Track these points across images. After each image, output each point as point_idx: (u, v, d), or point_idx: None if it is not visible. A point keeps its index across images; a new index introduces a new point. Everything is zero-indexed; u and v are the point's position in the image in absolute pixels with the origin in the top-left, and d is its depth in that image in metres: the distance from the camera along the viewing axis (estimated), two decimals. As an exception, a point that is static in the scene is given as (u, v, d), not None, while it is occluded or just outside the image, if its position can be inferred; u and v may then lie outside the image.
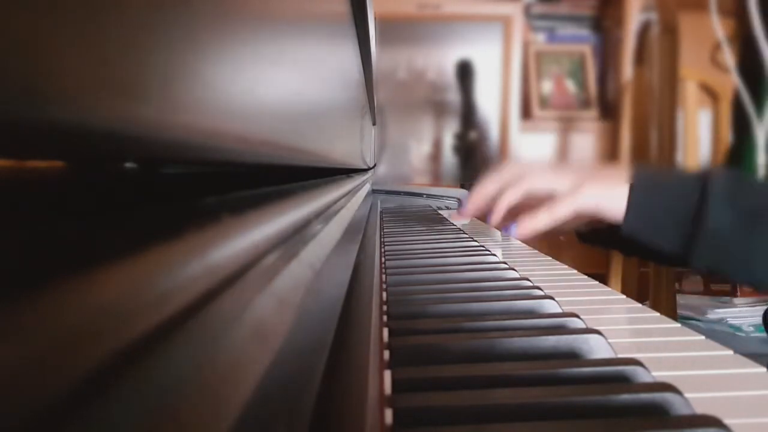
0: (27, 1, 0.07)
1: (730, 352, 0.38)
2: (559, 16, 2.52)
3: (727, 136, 1.82)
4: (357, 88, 0.80)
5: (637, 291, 1.63)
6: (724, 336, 1.55)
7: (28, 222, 0.13)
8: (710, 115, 1.95)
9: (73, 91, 0.08)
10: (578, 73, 2.51)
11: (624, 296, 0.55)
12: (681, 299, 1.64)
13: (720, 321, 1.64)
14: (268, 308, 0.16)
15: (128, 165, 0.25)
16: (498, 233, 0.94)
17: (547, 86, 2.51)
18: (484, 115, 2.47)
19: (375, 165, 1.71)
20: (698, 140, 1.92)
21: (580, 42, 2.52)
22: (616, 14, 2.38)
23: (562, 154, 2.50)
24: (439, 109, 2.46)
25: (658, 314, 0.48)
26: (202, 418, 0.11)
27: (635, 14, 2.26)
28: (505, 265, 0.60)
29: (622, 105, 2.30)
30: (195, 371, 0.11)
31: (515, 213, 0.70)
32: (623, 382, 0.28)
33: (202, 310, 0.12)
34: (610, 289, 0.59)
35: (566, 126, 2.48)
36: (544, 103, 2.50)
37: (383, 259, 0.61)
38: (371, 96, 1.17)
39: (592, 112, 2.48)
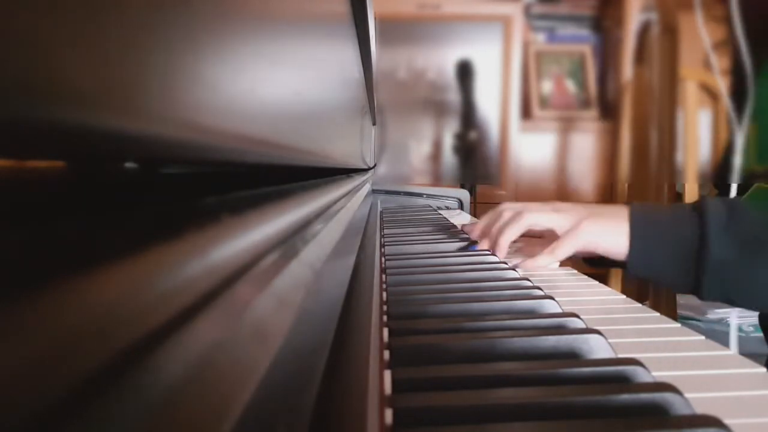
0: (27, 1, 0.07)
1: (730, 352, 0.38)
2: (559, 16, 2.52)
3: (727, 136, 1.82)
4: (357, 88, 0.80)
5: (637, 291, 1.63)
6: (724, 336, 1.55)
7: (28, 222, 0.13)
8: (710, 115, 1.95)
9: (73, 91, 0.08)
10: (578, 73, 2.51)
11: (624, 296, 0.55)
12: (681, 299, 1.64)
13: (720, 321, 1.64)
14: (269, 308, 0.16)
15: (128, 165, 0.25)
16: None
17: (547, 86, 2.51)
18: (484, 115, 2.47)
19: (375, 165, 1.71)
20: (698, 140, 1.92)
21: (580, 42, 2.52)
22: (616, 14, 2.38)
23: (562, 154, 2.50)
24: (439, 109, 2.46)
25: (658, 314, 0.48)
26: (203, 417, 0.11)
27: (635, 14, 2.26)
28: (505, 265, 0.60)
29: (622, 105, 2.29)
30: (195, 371, 0.11)
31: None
32: (623, 382, 0.28)
33: (202, 310, 0.12)
34: (610, 289, 0.59)
35: (566, 126, 2.48)
36: (544, 103, 2.50)
37: (383, 259, 0.61)
38: (371, 96, 1.17)
39: (592, 112, 2.48)
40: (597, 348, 0.33)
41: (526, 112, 2.48)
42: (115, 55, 0.09)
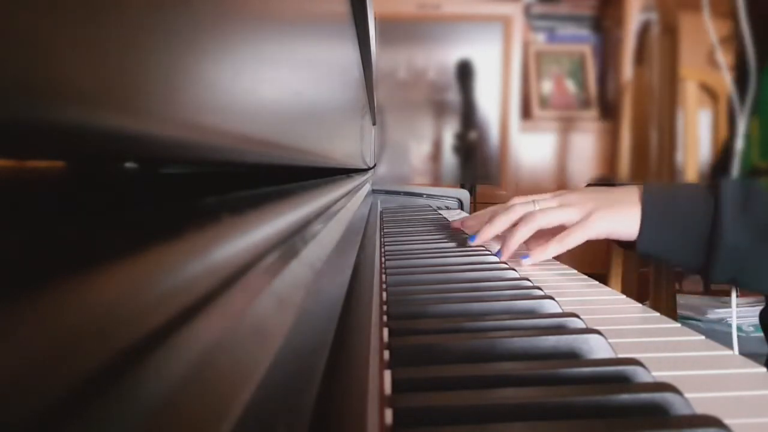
0: (27, 1, 0.07)
1: (730, 352, 0.38)
2: (559, 16, 2.52)
3: (725, 136, 1.82)
4: (357, 88, 0.80)
5: (637, 291, 1.63)
6: (724, 336, 1.55)
7: (28, 222, 0.13)
8: (710, 115, 1.95)
9: (73, 91, 0.08)
10: (578, 73, 2.51)
11: (624, 296, 0.55)
12: (681, 299, 1.64)
13: (720, 321, 1.64)
14: (269, 308, 0.16)
15: (128, 165, 0.25)
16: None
17: (547, 86, 2.51)
18: (484, 115, 2.47)
19: (375, 165, 1.71)
20: (698, 140, 1.92)
21: (580, 42, 2.52)
22: (616, 14, 2.38)
23: (562, 154, 2.50)
24: (439, 109, 2.46)
25: (658, 314, 0.48)
26: (204, 417, 0.11)
27: (635, 14, 2.26)
28: (505, 265, 0.60)
29: (622, 105, 2.30)
30: (196, 371, 0.11)
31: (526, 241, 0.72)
32: (623, 382, 0.28)
33: (202, 310, 0.12)
34: (610, 289, 0.58)
35: (566, 126, 2.48)
36: (544, 103, 2.50)
37: (383, 259, 0.61)
38: (371, 96, 1.17)
39: (592, 112, 2.48)
40: (597, 348, 0.33)
41: (526, 112, 2.48)
42: (115, 55, 0.09)
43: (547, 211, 0.69)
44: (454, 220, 0.90)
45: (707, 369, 0.35)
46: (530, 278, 0.52)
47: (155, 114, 0.11)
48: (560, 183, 2.47)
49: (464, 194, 1.57)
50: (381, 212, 1.18)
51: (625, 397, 0.25)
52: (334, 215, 0.40)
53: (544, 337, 0.33)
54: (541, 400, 0.26)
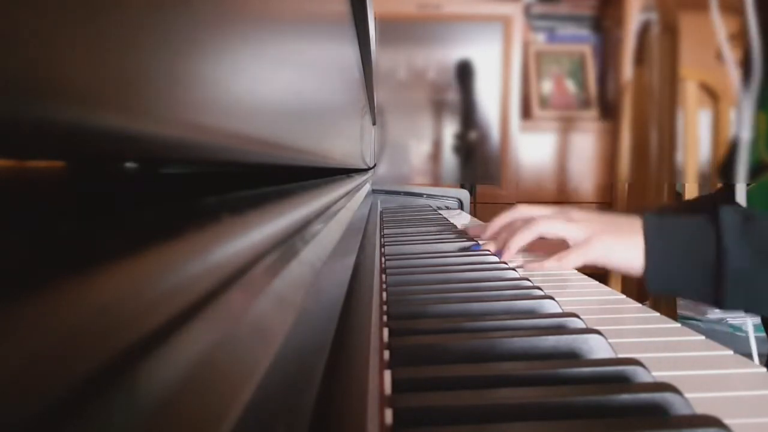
0: (27, 0, 0.07)
1: (730, 352, 0.38)
2: (559, 16, 2.52)
3: (727, 135, 1.82)
4: (357, 88, 0.80)
5: (637, 291, 1.63)
6: (724, 336, 1.55)
7: (28, 222, 0.13)
8: (710, 115, 1.95)
9: (73, 91, 0.08)
10: (578, 73, 2.51)
11: (624, 296, 0.55)
12: (681, 299, 1.64)
13: (720, 321, 1.64)
14: (269, 308, 0.16)
15: (128, 165, 0.25)
16: None
17: (547, 86, 2.51)
18: (484, 115, 2.47)
19: (375, 165, 1.71)
20: (698, 140, 1.92)
21: (580, 42, 2.52)
22: (616, 14, 2.38)
23: (562, 154, 2.50)
24: (439, 109, 2.46)
25: (658, 314, 0.48)
26: (203, 417, 0.11)
27: (635, 14, 2.26)
28: (505, 265, 0.60)
29: (622, 105, 2.30)
30: (196, 371, 0.11)
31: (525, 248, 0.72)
32: (623, 382, 0.28)
33: (202, 310, 0.12)
34: (610, 289, 0.58)
35: (566, 126, 2.48)
36: (544, 103, 2.50)
37: (383, 259, 0.61)
38: (371, 96, 1.17)
39: (592, 112, 2.48)
40: (597, 348, 0.33)
41: (526, 112, 2.48)
42: (115, 55, 0.09)
43: (551, 221, 0.70)
44: (469, 227, 0.90)
45: (707, 369, 0.35)
46: (530, 278, 0.52)
47: (155, 114, 0.11)
48: (560, 183, 2.47)
49: (464, 194, 1.57)
50: (381, 212, 1.18)
51: (625, 397, 0.25)
52: (334, 215, 0.40)
53: (544, 337, 0.33)
54: (541, 400, 0.26)
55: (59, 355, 0.08)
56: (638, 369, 0.28)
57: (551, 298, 0.43)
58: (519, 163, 2.48)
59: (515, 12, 2.43)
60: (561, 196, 2.41)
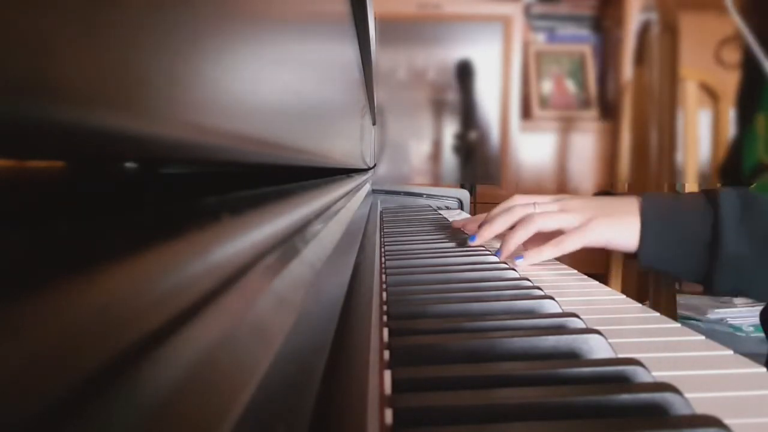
0: (27, 1, 0.07)
1: (730, 352, 0.38)
2: (559, 16, 2.52)
3: (727, 135, 1.82)
4: (357, 88, 0.80)
5: (637, 291, 1.63)
6: (724, 336, 1.56)
7: (28, 222, 0.13)
8: (710, 115, 1.95)
9: (74, 91, 0.08)
10: (578, 73, 2.51)
11: (624, 296, 0.55)
12: (681, 299, 1.64)
13: (720, 321, 1.64)
14: (269, 308, 0.16)
15: (128, 165, 0.25)
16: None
17: (547, 86, 2.51)
18: (484, 115, 2.47)
19: (375, 165, 1.71)
20: (698, 140, 1.92)
21: (580, 42, 2.52)
22: (616, 14, 2.38)
23: (562, 154, 2.50)
24: (439, 109, 2.46)
25: (658, 314, 0.48)
26: (203, 417, 0.11)
27: (635, 14, 2.26)
28: (505, 265, 0.60)
29: (622, 105, 2.30)
30: (196, 371, 0.11)
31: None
32: (623, 382, 0.28)
33: (202, 310, 0.12)
34: (610, 289, 0.58)
35: (566, 126, 2.48)
36: (544, 103, 2.50)
37: (383, 259, 0.61)
38: (371, 96, 1.17)
39: (592, 112, 2.48)
40: (597, 348, 0.33)
41: (526, 112, 2.48)
42: (115, 55, 0.09)
43: (547, 215, 0.69)
44: (455, 221, 0.90)
45: (707, 369, 0.35)
46: (530, 278, 0.52)
47: (155, 114, 0.11)
48: (560, 183, 2.47)
49: (464, 194, 1.58)
50: (381, 212, 1.18)
51: (625, 397, 0.25)
52: (334, 215, 0.40)
53: (544, 337, 0.33)
54: (541, 400, 0.26)
55: (59, 355, 0.08)
56: (638, 369, 0.28)
57: (551, 298, 0.43)
58: (519, 163, 2.48)
59: (515, 12, 2.43)
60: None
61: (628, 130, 2.25)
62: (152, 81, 0.10)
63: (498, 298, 0.43)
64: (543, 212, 0.70)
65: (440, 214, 1.19)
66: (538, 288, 0.47)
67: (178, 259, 0.12)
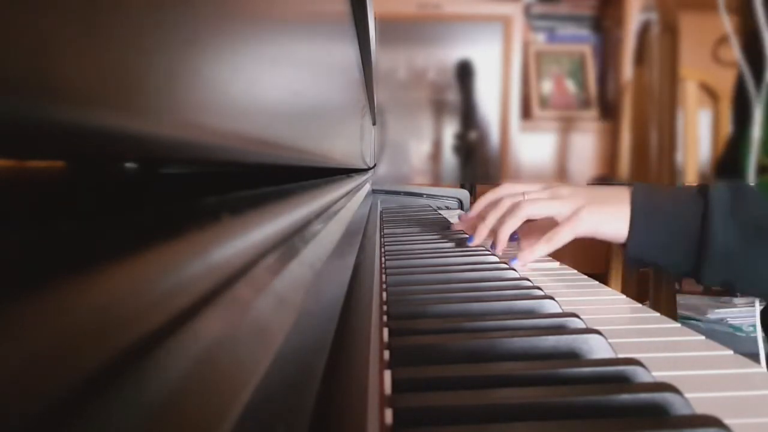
0: (27, 1, 0.07)
1: (730, 352, 0.38)
2: (559, 16, 2.52)
3: (727, 135, 1.82)
4: (357, 88, 0.80)
5: (637, 291, 1.63)
6: (724, 336, 1.56)
7: (28, 222, 0.13)
8: (710, 115, 1.95)
9: (74, 91, 0.08)
10: (578, 73, 2.51)
11: (624, 296, 0.55)
12: (681, 299, 1.64)
13: (720, 321, 1.64)
14: (269, 308, 0.16)
15: (128, 165, 0.25)
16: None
17: (547, 86, 2.51)
18: (484, 115, 2.47)
19: (375, 165, 1.71)
20: (698, 140, 1.92)
21: (580, 42, 2.52)
22: (616, 14, 2.38)
23: (562, 154, 2.50)
24: (439, 109, 2.46)
25: (658, 314, 0.48)
26: (203, 417, 0.11)
27: (635, 14, 2.26)
28: (505, 265, 0.60)
29: (622, 105, 2.29)
30: (196, 371, 0.11)
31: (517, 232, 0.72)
32: (623, 382, 0.28)
33: (202, 310, 0.12)
34: (610, 289, 0.58)
35: (566, 126, 2.48)
36: (544, 103, 2.50)
37: (383, 259, 0.61)
38: (371, 96, 1.17)
39: (592, 112, 2.48)
40: (597, 348, 0.33)
41: (526, 112, 2.48)
42: (115, 55, 0.09)
43: (536, 201, 0.69)
44: (456, 223, 0.90)
45: (707, 369, 0.35)
46: (530, 278, 0.52)
47: (155, 114, 0.11)
48: (560, 183, 2.47)
49: (464, 194, 1.58)
50: (381, 212, 1.18)
51: (625, 397, 0.25)
52: (334, 215, 0.40)
53: (544, 337, 0.33)
54: (541, 400, 0.26)
55: (59, 355, 0.08)
56: (638, 369, 0.28)
57: (551, 298, 0.43)
58: (519, 163, 2.48)
59: (515, 12, 2.43)
60: (561, 196, 2.41)
61: (628, 130, 2.25)
62: (152, 81, 0.10)
63: (498, 298, 0.43)
64: (531, 199, 0.70)
65: (440, 214, 1.19)
66: (538, 288, 0.47)
67: (178, 259, 0.12)
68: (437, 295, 0.45)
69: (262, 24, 0.19)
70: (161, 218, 0.16)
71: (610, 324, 0.44)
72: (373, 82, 1.11)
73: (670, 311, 1.46)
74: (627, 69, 2.30)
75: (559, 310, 0.41)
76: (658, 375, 0.29)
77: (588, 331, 0.33)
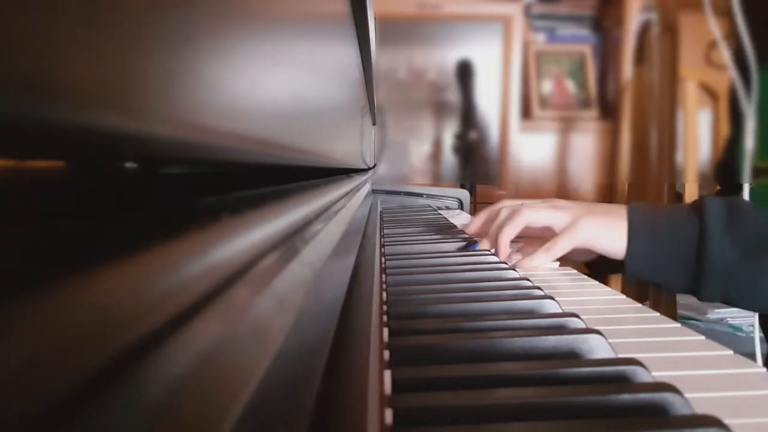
0: (27, 1, 0.07)
1: (730, 352, 0.38)
2: (559, 16, 2.52)
3: (726, 136, 1.82)
4: (357, 88, 0.80)
5: (637, 291, 1.63)
6: (724, 336, 1.55)
7: (28, 222, 0.13)
8: (710, 115, 1.95)
9: (73, 91, 0.08)
10: (578, 73, 2.51)
11: (624, 296, 0.55)
12: (681, 299, 1.64)
13: (720, 321, 1.64)
14: (269, 308, 0.16)
15: (128, 165, 0.25)
16: None
17: (547, 86, 2.51)
18: (484, 115, 2.47)
19: (375, 165, 1.71)
20: (698, 140, 1.92)
21: (580, 42, 2.52)
22: (616, 14, 2.38)
23: (562, 154, 2.50)
24: (439, 109, 2.46)
25: (658, 314, 0.48)
26: (204, 417, 0.11)
27: (635, 14, 2.26)
28: (505, 265, 0.60)
29: (622, 105, 2.29)
30: (196, 371, 0.11)
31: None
32: (623, 382, 0.28)
33: (202, 310, 0.12)
34: (610, 289, 0.59)
35: (566, 126, 2.48)
36: (544, 103, 2.50)
37: (383, 259, 0.61)
38: (371, 96, 1.17)
39: (592, 112, 2.48)
40: (597, 348, 0.33)
41: (526, 112, 2.48)
42: (115, 55, 0.09)
43: (535, 208, 0.70)
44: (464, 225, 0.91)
45: (707, 369, 0.35)
46: (530, 278, 0.52)
47: (155, 114, 0.11)
48: (560, 183, 2.47)
49: (464, 194, 1.58)
50: (381, 212, 1.18)
51: (625, 397, 0.25)
52: (334, 215, 0.40)
53: (544, 337, 0.33)
54: (541, 400, 0.26)
55: (59, 355, 0.08)
56: (638, 369, 0.28)
57: (551, 298, 0.43)
58: (519, 163, 2.48)
59: (515, 12, 2.43)
60: (561, 196, 2.40)
61: (628, 130, 2.25)
62: (152, 81, 0.10)
63: (498, 298, 0.43)
64: (530, 206, 0.70)
65: (440, 214, 1.19)
66: (538, 288, 0.47)
67: (178, 259, 0.12)
68: (437, 295, 0.45)
69: (262, 24, 0.19)
70: (161, 218, 0.16)
71: (610, 324, 0.44)
72: (373, 82, 1.11)
73: (670, 311, 1.46)
74: (627, 69, 2.30)
75: (559, 310, 0.41)
76: (658, 375, 0.29)
77: (588, 331, 0.33)
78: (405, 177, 2.42)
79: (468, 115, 2.46)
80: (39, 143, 0.09)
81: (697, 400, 0.26)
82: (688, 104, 1.89)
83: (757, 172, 0.91)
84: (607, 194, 2.42)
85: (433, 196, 1.54)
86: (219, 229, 0.15)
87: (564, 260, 0.71)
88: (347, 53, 0.61)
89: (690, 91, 1.88)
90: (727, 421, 0.23)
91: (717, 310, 1.65)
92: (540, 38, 2.53)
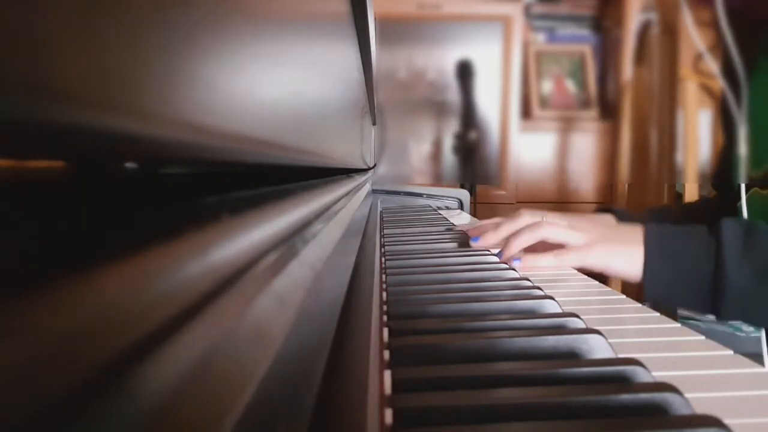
0: (27, 1, 0.07)
1: (730, 352, 0.38)
2: (559, 16, 2.52)
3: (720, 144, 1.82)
4: (357, 88, 0.80)
5: (637, 291, 1.63)
6: (724, 336, 1.55)
7: (28, 222, 0.13)
8: (710, 115, 1.95)
9: (74, 91, 0.08)
10: (578, 73, 2.51)
11: (624, 296, 0.55)
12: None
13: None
14: (269, 308, 0.16)
15: (128, 165, 0.25)
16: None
17: (547, 86, 2.51)
18: (484, 115, 2.47)
19: (375, 165, 1.71)
20: (698, 140, 1.92)
21: (580, 42, 2.52)
22: (616, 14, 2.38)
23: (562, 154, 2.50)
24: (439, 109, 2.46)
25: (658, 314, 0.48)
26: (204, 417, 0.11)
27: (635, 14, 2.26)
28: (505, 265, 0.60)
29: (622, 105, 2.29)
30: (196, 371, 0.11)
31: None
32: (623, 382, 0.28)
33: (202, 310, 0.12)
34: (610, 289, 0.59)
35: (566, 126, 2.48)
36: (544, 103, 2.50)
37: (383, 259, 0.61)
38: (371, 96, 1.17)
39: (592, 112, 2.48)
40: (597, 348, 0.33)
41: (526, 112, 2.48)
42: (115, 55, 0.09)
43: (555, 226, 0.71)
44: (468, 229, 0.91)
45: (707, 369, 0.35)
46: (530, 278, 0.52)
47: (155, 114, 0.11)
48: (560, 183, 2.47)
49: (464, 194, 1.58)
50: (381, 212, 1.18)
51: (625, 397, 0.25)
52: (334, 215, 0.40)
53: (544, 337, 0.33)
54: (541, 400, 0.26)
55: (59, 355, 0.08)
56: (638, 369, 0.28)
57: (551, 298, 0.43)
58: (519, 163, 2.48)
59: (515, 12, 2.43)
60: (561, 196, 2.41)
61: (628, 130, 2.25)
62: (152, 81, 0.10)
63: (498, 298, 0.43)
64: (552, 223, 0.71)
65: (440, 214, 1.19)
66: (538, 288, 0.47)
67: (178, 259, 0.12)
68: (437, 295, 0.45)
69: (262, 24, 0.19)
70: (161, 218, 0.16)
71: (610, 324, 0.44)
72: (373, 82, 1.11)
73: (670, 311, 1.46)
74: (627, 69, 2.30)
75: (559, 310, 0.41)
76: (658, 375, 0.29)
77: (588, 331, 0.33)
78: (405, 177, 2.42)
79: (468, 115, 2.46)
80: (39, 143, 0.09)
81: (697, 400, 0.26)
82: (688, 104, 1.89)
83: (750, 182, 0.92)
84: (607, 194, 2.43)
85: (433, 196, 1.54)
86: (219, 230, 0.15)
87: None
88: (347, 53, 0.61)
89: (690, 91, 1.88)
90: (727, 421, 0.23)
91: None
92: (540, 38, 2.53)
